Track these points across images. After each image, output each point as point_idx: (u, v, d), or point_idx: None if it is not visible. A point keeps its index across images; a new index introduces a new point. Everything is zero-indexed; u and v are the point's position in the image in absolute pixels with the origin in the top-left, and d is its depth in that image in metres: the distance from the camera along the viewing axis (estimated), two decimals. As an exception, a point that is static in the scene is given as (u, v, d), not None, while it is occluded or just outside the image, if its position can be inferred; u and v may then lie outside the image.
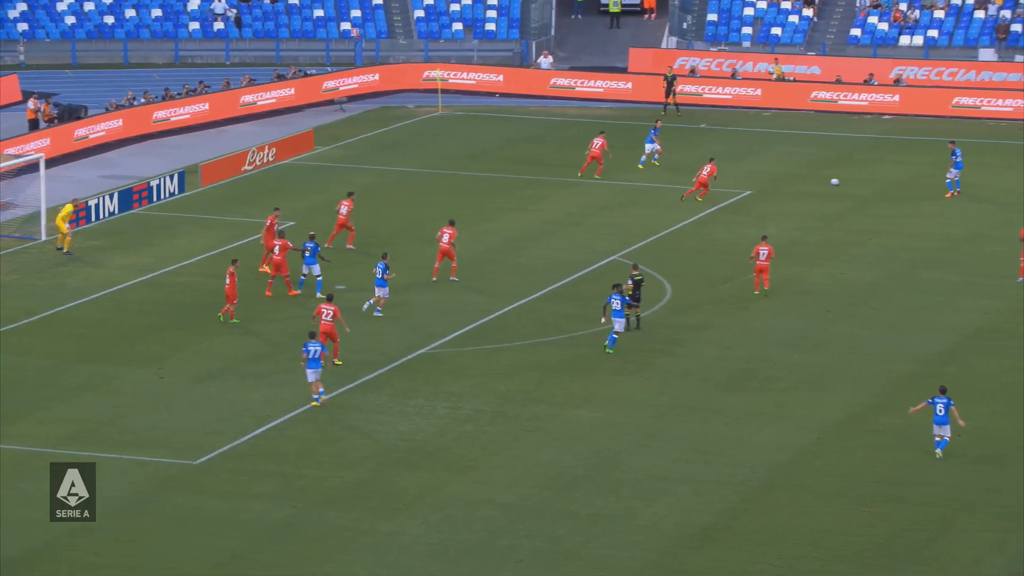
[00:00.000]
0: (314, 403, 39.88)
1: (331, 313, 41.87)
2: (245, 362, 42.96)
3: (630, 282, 44.72)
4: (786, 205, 58.66)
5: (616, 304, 43.21)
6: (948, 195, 58.73)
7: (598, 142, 61.65)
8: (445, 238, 49.03)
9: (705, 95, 75.63)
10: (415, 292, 48.62)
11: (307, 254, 47.57)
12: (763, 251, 48.10)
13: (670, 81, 73.11)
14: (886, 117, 73.50)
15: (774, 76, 75.99)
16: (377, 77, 77.41)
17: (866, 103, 74.00)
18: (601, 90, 76.93)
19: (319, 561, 32.40)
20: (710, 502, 35.02)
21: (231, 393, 40.90)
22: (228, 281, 45.18)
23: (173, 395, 40.89)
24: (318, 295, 46.55)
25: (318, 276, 47.49)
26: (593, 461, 37.10)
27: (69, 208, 52.58)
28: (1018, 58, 78.25)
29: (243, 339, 44.70)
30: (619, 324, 43.22)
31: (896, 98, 73.79)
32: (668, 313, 46.73)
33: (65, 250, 51.91)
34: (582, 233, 54.64)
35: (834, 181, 59.84)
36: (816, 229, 55.78)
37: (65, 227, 52.07)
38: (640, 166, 63.61)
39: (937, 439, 37.17)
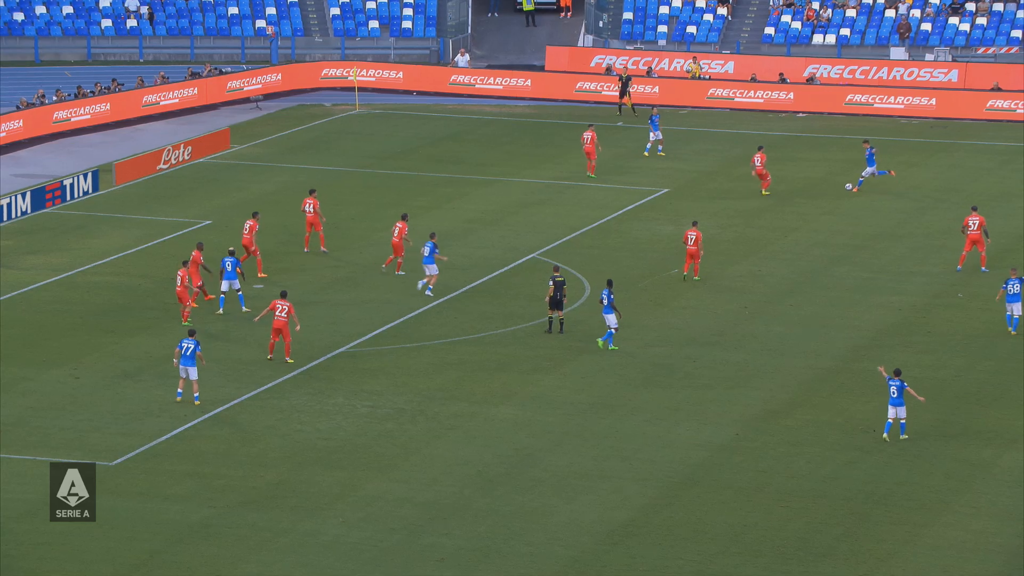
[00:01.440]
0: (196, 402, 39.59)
1: (285, 309, 41.70)
2: (161, 362, 42.58)
3: (551, 283, 44.59)
4: (703, 203, 58.91)
5: (606, 300, 43.35)
6: (854, 189, 59.28)
7: (588, 136, 61.33)
8: (395, 232, 49.13)
9: (603, 92, 75.98)
10: (335, 290, 48.43)
11: (227, 270, 46.49)
12: (691, 235, 48.58)
13: (625, 82, 72.91)
14: (800, 115, 74.07)
15: (691, 75, 76.34)
16: (281, 77, 76.87)
17: (773, 100, 74.53)
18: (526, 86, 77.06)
19: (238, 562, 32.20)
20: (629, 498, 35.11)
21: (148, 393, 40.56)
22: (179, 282, 44.78)
23: (88, 395, 40.50)
24: (243, 309, 46.07)
25: (238, 290, 46.57)
26: (513, 459, 37.11)
27: None
28: (927, 56, 79.12)
29: (159, 339, 44.31)
30: (612, 320, 43.34)
31: (789, 95, 74.31)
32: (587, 311, 46.80)
33: None
34: (502, 231, 54.66)
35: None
36: (732, 226, 56.08)
37: None
38: (646, 153, 64.83)
39: (889, 421, 37.78)
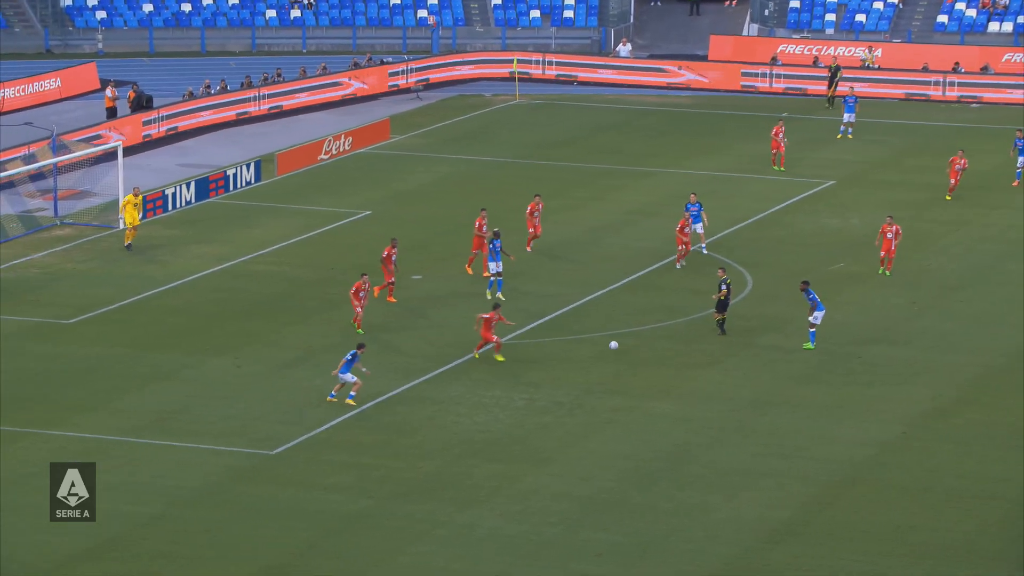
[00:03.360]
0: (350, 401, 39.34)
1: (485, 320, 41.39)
2: (320, 352, 42.82)
3: (724, 288, 43.35)
4: (869, 194, 57.98)
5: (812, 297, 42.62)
6: (1015, 183, 57.90)
7: (777, 131, 60.60)
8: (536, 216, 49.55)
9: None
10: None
11: (496, 252, 46.30)
12: (889, 232, 48.19)
13: (834, 72, 71.86)
14: (974, 106, 72.47)
15: (866, 64, 74.84)
16: (458, 65, 77.15)
17: (955, 92, 73.06)
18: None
19: (395, 553, 32.21)
20: (791, 496, 34.56)
21: (308, 383, 40.76)
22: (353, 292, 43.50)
23: (250, 384, 40.81)
24: (498, 295, 46.17)
25: (498, 274, 46.38)
26: (672, 454, 36.73)
27: (132, 197, 51.63)
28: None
29: (320, 329, 44.59)
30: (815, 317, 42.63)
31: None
32: (749, 304, 46.18)
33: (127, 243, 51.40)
34: (662, 223, 54.17)
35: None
36: (901, 220, 54.94)
37: (136, 219, 51.28)
38: (839, 136, 65.18)
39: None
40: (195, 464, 36.04)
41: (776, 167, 60.30)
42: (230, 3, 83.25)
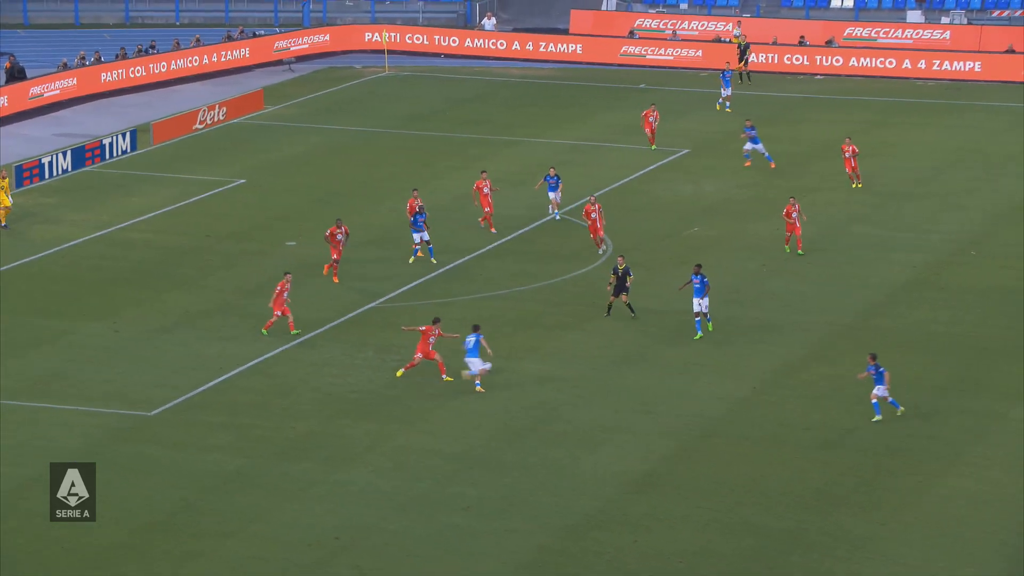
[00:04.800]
0: (478, 388, 39.23)
1: (436, 334, 39.53)
2: (197, 317, 43.64)
3: (615, 272, 43.65)
4: (722, 163, 59.61)
5: (697, 283, 42.52)
6: (746, 164, 58.19)
7: (649, 115, 60.66)
8: (485, 190, 50.34)
9: (648, 56, 76.74)
10: (365, 250, 49.40)
11: (417, 224, 47.39)
12: (794, 211, 48.55)
13: (743, 48, 72.81)
14: (819, 77, 74.65)
15: (738, 42, 76.07)
16: (328, 38, 77.93)
17: (801, 63, 75.24)
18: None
19: (272, 510, 33.15)
20: (651, 451, 35.94)
21: (185, 347, 41.57)
22: (276, 291, 42.34)
23: (128, 349, 41.51)
24: (432, 261, 47.17)
25: (428, 242, 47.55)
26: (538, 413, 37.94)
27: (2, 181, 50.88)
28: (943, 20, 79.61)
29: (195, 295, 45.37)
30: (700, 304, 42.47)
31: (839, 60, 74.99)
32: (609, 269, 47.61)
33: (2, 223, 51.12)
34: (526, 191, 55.46)
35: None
36: (752, 186, 56.81)
37: (4, 200, 50.68)
38: (717, 106, 66.29)
39: (875, 401, 37.59)
40: (75, 426, 36.72)
41: (653, 147, 60.58)
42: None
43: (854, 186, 55.82)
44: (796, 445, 36.31)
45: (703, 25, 79.46)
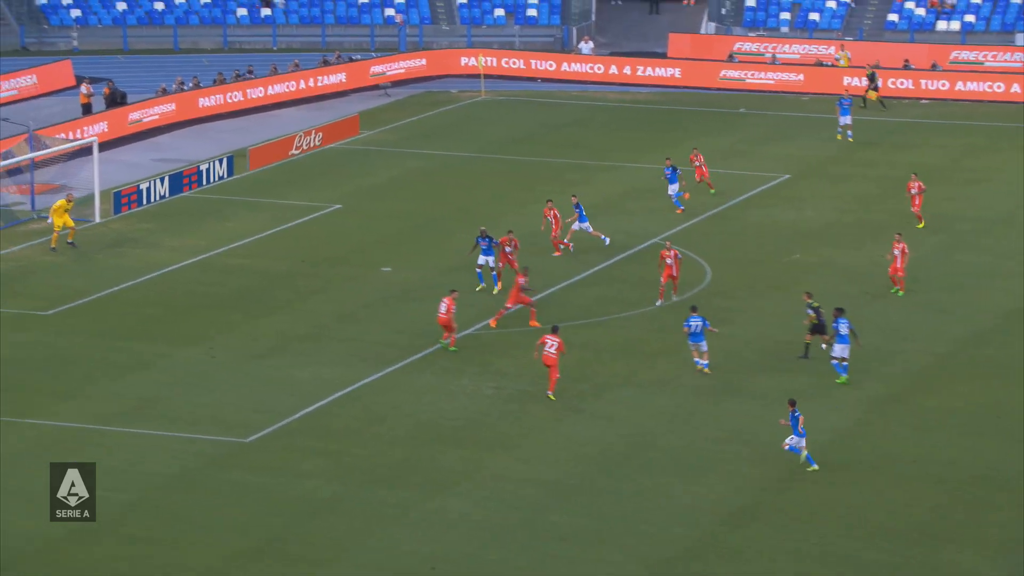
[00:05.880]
0: (704, 369, 40.97)
1: (555, 345, 39.59)
2: (292, 342, 43.67)
3: (811, 312, 42.27)
4: (824, 188, 58.98)
5: (843, 329, 40.72)
6: (679, 211, 55.21)
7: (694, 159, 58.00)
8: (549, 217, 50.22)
9: (748, 80, 76.20)
10: (458, 276, 49.23)
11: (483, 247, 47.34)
12: (896, 251, 46.93)
13: (871, 77, 71.60)
14: (923, 102, 73.77)
15: (841, 62, 75.50)
16: (424, 62, 78.12)
17: (904, 87, 74.38)
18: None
19: (365, 537, 32.98)
20: (749, 481, 35.47)
21: (280, 372, 41.58)
22: (444, 310, 42.56)
23: (223, 374, 41.58)
24: (480, 285, 47.04)
25: (493, 269, 47.19)
26: (634, 440, 37.58)
27: (63, 203, 51.39)
28: (1055, 42, 78.62)
29: (290, 320, 45.43)
30: (841, 349, 40.76)
31: (944, 83, 73.97)
32: (708, 295, 47.20)
33: (69, 240, 51.44)
34: (624, 216, 55.17)
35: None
36: (852, 211, 56.16)
37: (68, 220, 50.95)
38: (838, 136, 64.96)
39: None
40: (170, 451, 36.74)
41: (712, 191, 57.59)
42: (202, 1, 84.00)
43: (919, 226, 53.35)
44: (899, 477, 35.68)
45: (804, 48, 78.79)
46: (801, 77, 75.62)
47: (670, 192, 55.21)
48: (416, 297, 47.01)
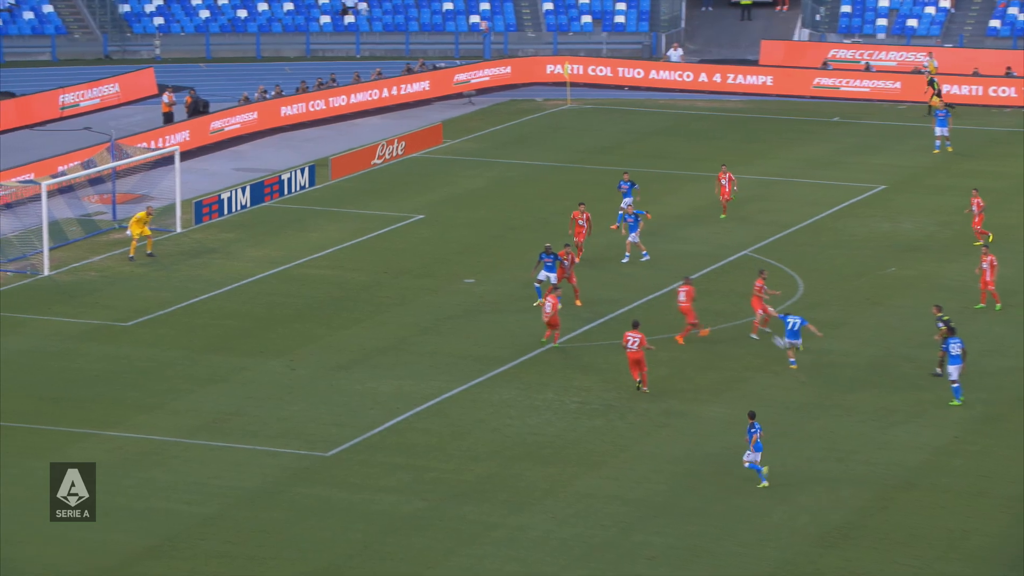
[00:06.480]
0: (793, 366, 41.34)
1: (637, 341, 39.66)
2: (374, 354, 43.13)
3: (941, 325, 41.06)
4: (921, 200, 57.89)
5: (955, 349, 39.39)
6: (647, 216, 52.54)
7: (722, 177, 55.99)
8: (580, 221, 49.77)
9: (842, 88, 74.95)
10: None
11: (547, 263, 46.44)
12: (985, 264, 45.69)
13: (931, 80, 70.30)
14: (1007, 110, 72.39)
15: (928, 71, 74.02)
16: (509, 70, 77.49)
17: (1004, 95, 72.84)
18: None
19: (448, 554, 32.42)
20: (844, 500, 34.58)
21: (361, 385, 41.08)
22: (550, 308, 42.70)
23: (304, 386, 41.15)
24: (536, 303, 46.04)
25: (553, 284, 45.73)
26: (724, 458, 36.78)
27: (143, 215, 51.26)
28: None
29: (372, 332, 44.92)
30: (954, 371, 39.50)
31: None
32: (801, 309, 46.20)
33: (148, 251, 51.36)
34: (714, 227, 54.23)
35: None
36: (952, 224, 54.97)
37: (145, 231, 50.86)
38: (936, 151, 63.65)
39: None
40: (251, 465, 36.38)
41: (723, 216, 55.33)
42: (285, 9, 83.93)
43: (977, 243, 51.10)
44: (1001, 498, 34.64)
45: (901, 56, 77.31)
46: (898, 85, 74.25)
47: (623, 205, 53.37)
48: (499, 309, 46.34)
